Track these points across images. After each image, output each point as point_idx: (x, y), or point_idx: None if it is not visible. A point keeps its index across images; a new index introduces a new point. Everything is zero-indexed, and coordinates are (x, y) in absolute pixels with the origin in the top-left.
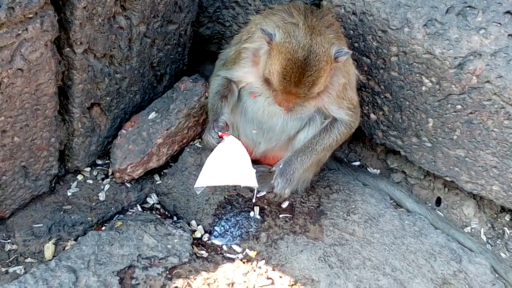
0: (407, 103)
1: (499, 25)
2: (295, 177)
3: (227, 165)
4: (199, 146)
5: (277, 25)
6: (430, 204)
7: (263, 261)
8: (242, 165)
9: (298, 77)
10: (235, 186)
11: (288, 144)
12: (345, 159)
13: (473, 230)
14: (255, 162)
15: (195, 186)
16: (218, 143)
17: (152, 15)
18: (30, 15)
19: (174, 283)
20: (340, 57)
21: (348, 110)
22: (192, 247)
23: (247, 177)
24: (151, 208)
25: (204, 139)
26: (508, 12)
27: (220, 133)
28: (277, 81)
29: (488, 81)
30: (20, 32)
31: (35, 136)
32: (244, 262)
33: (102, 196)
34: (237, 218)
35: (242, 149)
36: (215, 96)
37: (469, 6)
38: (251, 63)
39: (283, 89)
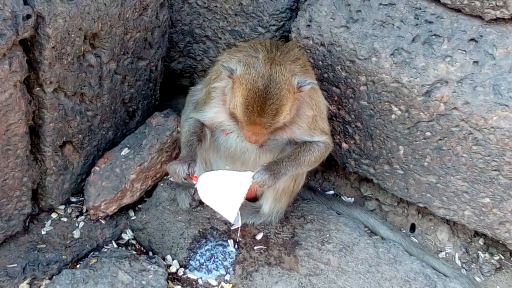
0: (378, 131)
1: (464, 52)
2: (279, 177)
3: (223, 192)
4: (173, 180)
5: (239, 60)
6: (404, 231)
7: None
8: (232, 199)
9: (260, 106)
10: (210, 217)
11: None
12: (319, 188)
13: (447, 255)
14: None
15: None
16: (185, 179)
17: (122, 52)
18: None
19: None
20: (304, 87)
21: (321, 136)
22: (167, 282)
23: (229, 211)
24: (127, 244)
25: (172, 168)
26: (472, 39)
27: (190, 174)
28: (240, 112)
29: (455, 108)
30: None
31: (7, 176)
32: None
33: (76, 234)
34: (212, 252)
35: (246, 187)
36: (193, 136)
37: (435, 35)
38: (221, 102)
39: (247, 119)
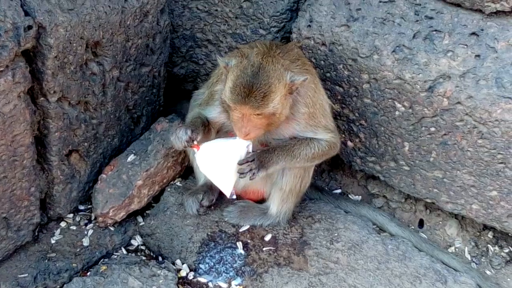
0: (382, 128)
1: (465, 46)
2: (269, 165)
3: (218, 161)
4: (180, 185)
5: (236, 55)
6: (413, 227)
7: None
8: (228, 169)
9: (248, 89)
10: (218, 220)
11: (267, 178)
12: (326, 188)
13: (457, 249)
14: (237, 197)
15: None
16: (184, 146)
17: (124, 59)
18: (1, 69)
19: None
20: (296, 81)
21: (325, 133)
22: (178, 287)
23: (225, 182)
24: (136, 250)
25: (174, 133)
26: (473, 33)
27: (192, 138)
28: (228, 95)
29: (459, 102)
30: None
31: (15, 187)
32: None
33: (86, 242)
34: (221, 254)
35: (242, 155)
36: (197, 119)
37: (435, 30)
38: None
39: (234, 101)
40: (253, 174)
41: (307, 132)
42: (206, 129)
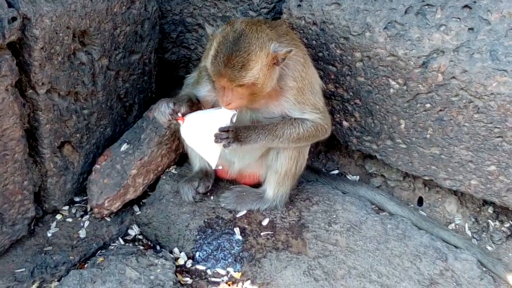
0: (377, 107)
1: (458, 20)
2: (246, 140)
3: (202, 131)
4: (175, 172)
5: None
6: (412, 205)
7: (249, 281)
8: (212, 139)
9: (227, 57)
10: (215, 206)
11: (262, 161)
12: (323, 169)
13: (457, 226)
14: (232, 182)
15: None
16: (169, 120)
17: (113, 48)
18: None
19: None
20: (279, 51)
21: (313, 113)
22: (176, 275)
23: (209, 153)
24: (134, 240)
25: (157, 107)
26: (466, 6)
27: (176, 111)
28: (209, 64)
29: (453, 77)
30: None
31: (7, 181)
32: (229, 285)
33: (82, 234)
34: (219, 241)
35: (228, 119)
36: (183, 95)
37: (427, 5)
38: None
39: (214, 70)
40: (228, 143)
41: (295, 111)
42: (194, 105)
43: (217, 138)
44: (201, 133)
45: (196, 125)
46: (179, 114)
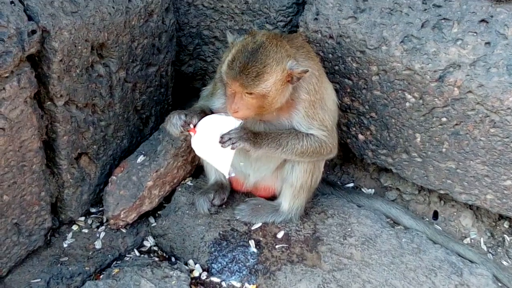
0: (393, 120)
1: (475, 34)
2: (251, 142)
3: (212, 140)
4: (191, 184)
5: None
6: (427, 219)
7: None
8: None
9: (244, 64)
10: (230, 218)
11: (277, 174)
12: (338, 182)
13: (472, 240)
14: (248, 195)
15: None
16: (181, 132)
17: (130, 60)
18: (6, 75)
19: None
20: (295, 69)
21: (319, 129)
22: (191, 287)
23: (221, 161)
24: (149, 251)
25: (169, 120)
26: (483, 20)
27: (188, 122)
28: (224, 69)
29: (470, 91)
30: None
31: (24, 192)
32: None
33: (98, 244)
34: (234, 253)
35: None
36: (196, 107)
37: (444, 19)
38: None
39: (227, 77)
40: (233, 143)
41: (303, 125)
42: (206, 112)
43: (222, 140)
44: (209, 142)
45: (204, 134)
46: (191, 126)
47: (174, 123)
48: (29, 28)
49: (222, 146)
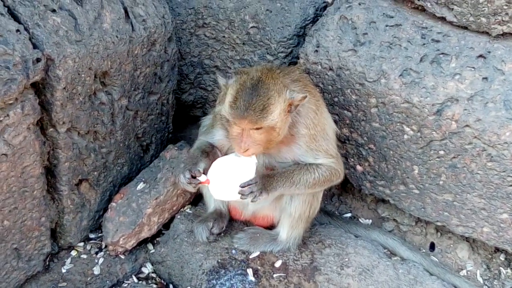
0: (391, 152)
1: (473, 69)
2: (270, 189)
3: (231, 187)
4: (190, 212)
5: (236, 73)
6: (424, 250)
7: None
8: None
9: (248, 101)
10: (228, 247)
11: (276, 204)
12: (336, 212)
13: (469, 272)
14: (246, 223)
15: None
16: (194, 187)
17: (132, 88)
18: (11, 101)
19: None
20: (295, 97)
21: (326, 158)
22: None
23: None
24: (147, 278)
25: (177, 179)
26: (480, 56)
27: (194, 176)
28: (228, 110)
29: (467, 125)
30: (1, 118)
31: (25, 217)
32: None
33: (96, 270)
34: (232, 282)
35: (253, 167)
36: (196, 150)
37: (442, 53)
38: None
39: (234, 117)
40: (255, 196)
41: (308, 157)
42: (209, 154)
43: (244, 195)
44: (228, 188)
45: (220, 182)
46: (201, 178)
47: (183, 182)
48: (34, 56)
49: (242, 198)
